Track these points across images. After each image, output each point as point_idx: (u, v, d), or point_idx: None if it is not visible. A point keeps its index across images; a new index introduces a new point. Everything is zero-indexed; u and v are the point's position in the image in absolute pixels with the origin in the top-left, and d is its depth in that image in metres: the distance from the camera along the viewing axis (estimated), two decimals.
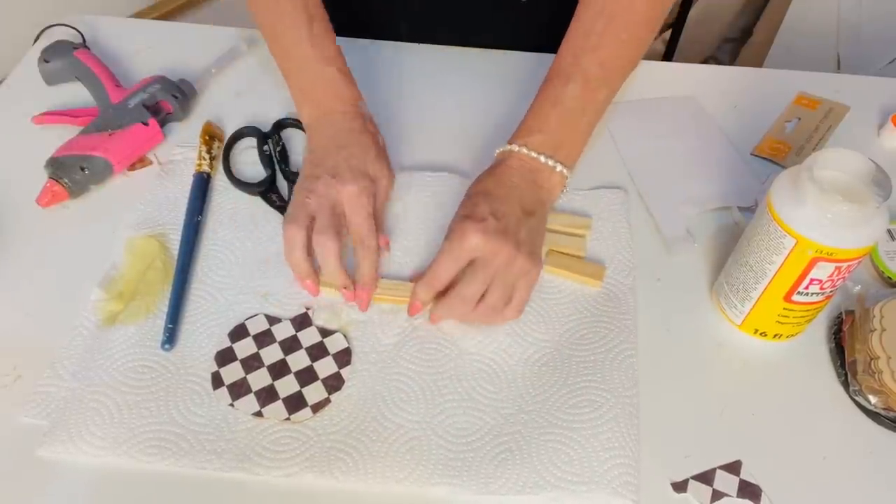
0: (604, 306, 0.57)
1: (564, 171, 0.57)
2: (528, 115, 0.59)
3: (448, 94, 0.74)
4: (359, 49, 0.78)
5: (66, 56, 0.71)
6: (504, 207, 0.54)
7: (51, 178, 0.62)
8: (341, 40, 0.79)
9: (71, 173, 0.62)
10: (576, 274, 0.58)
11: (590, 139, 0.59)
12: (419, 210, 0.63)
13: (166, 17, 1.47)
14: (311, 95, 0.62)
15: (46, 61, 0.72)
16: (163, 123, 0.68)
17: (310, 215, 0.56)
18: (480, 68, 0.77)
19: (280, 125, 0.69)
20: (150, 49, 0.77)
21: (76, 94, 0.71)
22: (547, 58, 0.70)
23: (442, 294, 0.55)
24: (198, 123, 0.69)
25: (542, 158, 0.56)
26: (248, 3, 0.64)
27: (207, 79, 0.74)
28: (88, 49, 0.74)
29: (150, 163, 0.66)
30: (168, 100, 0.68)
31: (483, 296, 0.53)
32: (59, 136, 0.65)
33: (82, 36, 0.75)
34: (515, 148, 0.56)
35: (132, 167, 0.66)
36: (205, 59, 0.76)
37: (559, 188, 0.58)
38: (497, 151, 0.58)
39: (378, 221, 0.58)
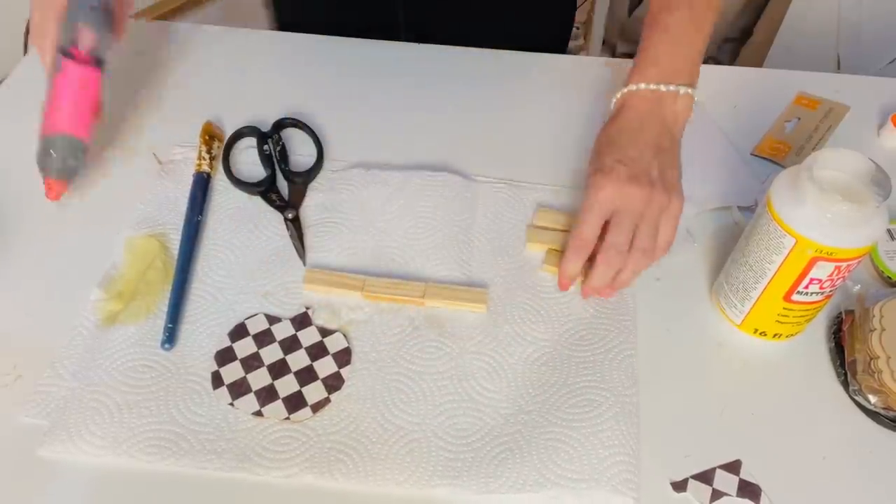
0: (603, 306, 0.57)
1: (689, 91, 0.56)
2: (640, 54, 0.58)
3: (448, 94, 0.74)
4: (359, 49, 0.78)
5: None
6: (630, 152, 0.54)
7: (41, 174, 0.60)
8: (341, 40, 0.79)
9: (46, 162, 0.59)
10: None
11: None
12: (419, 209, 0.63)
13: (166, 17, 1.47)
14: None
15: None
16: (98, 62, 0.58)
17: None
18: (480, 68, 0.77)
19: (280, 125, 0.69)
20: (149, 49, 0.77)
21: None
22: (547, 58, 0.70)
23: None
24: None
25: (662, 87, 0.56)
26: None
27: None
28: None
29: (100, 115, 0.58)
30: (84, 27, 0.56)
31: (632, 242, 0.54)
32: None
33: None
34: (633, 87, 0.56)
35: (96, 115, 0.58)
36: (204, 60, 0.76)
37: (687, 112, 0.57)
38: (616, 97, 0.58)
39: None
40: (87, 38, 0.57)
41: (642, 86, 0.56)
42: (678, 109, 0.56)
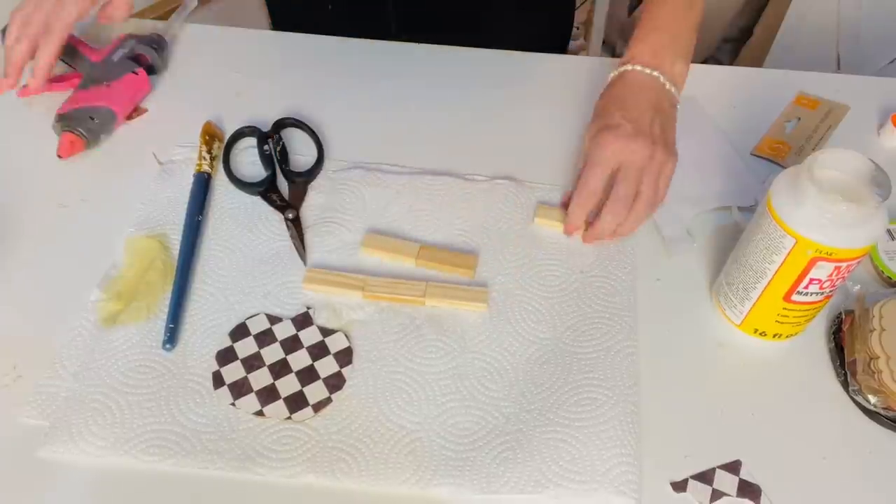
0: (605, 301, 0.57)
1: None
2: (640, 23, 0.63)
3: (448, 94, 0.74)
4: (360, 49, 0.78)
5: None
6: (634, 111, 0.59)
7: (65, 130, 0.65)
8: (341, 40, 0.79)
9: (83, 124, 0.65)
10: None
11: None
12: (419, 210, 0.63)
13: (166, 17, 1.47)
14: None
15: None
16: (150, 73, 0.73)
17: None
18: (480, 68, 0.77)
19: (280, 125, 0.69)
20: None
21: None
22: (547, 58, 0.70)
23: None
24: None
25: (656, 74, 0.61)
26: None
27: (175, 31, 0.78)
28: None
29: (146, 111, 0.71)
30: (146, 51, 0.72)
31: (637, 194, 0.58)
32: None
33: None
34: (629, 67, 0.61)
35: (129, 117, 0.70)
36: (204, 58, 0.76)
37: (683, 77, 0.63)
38: (617, 70, 0.63)
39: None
40: (144, 61, 0.72)
41: (637, 68, 0.60)
42: (676, 72, 0.62)
